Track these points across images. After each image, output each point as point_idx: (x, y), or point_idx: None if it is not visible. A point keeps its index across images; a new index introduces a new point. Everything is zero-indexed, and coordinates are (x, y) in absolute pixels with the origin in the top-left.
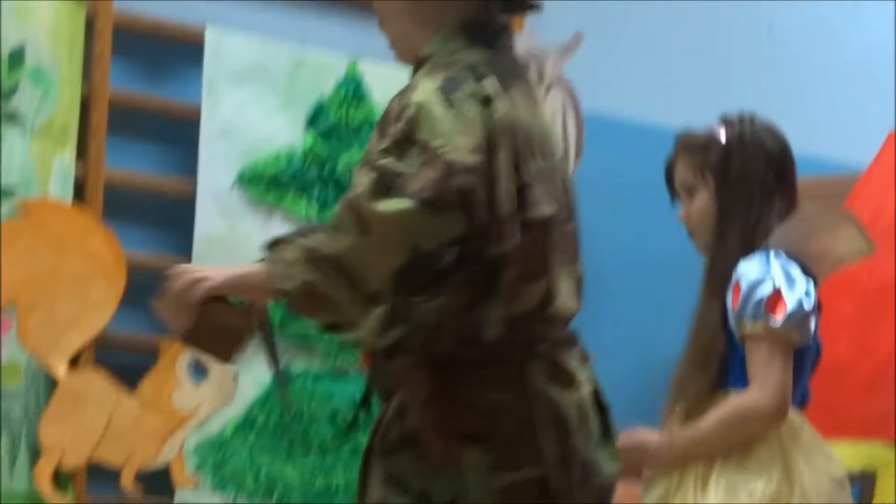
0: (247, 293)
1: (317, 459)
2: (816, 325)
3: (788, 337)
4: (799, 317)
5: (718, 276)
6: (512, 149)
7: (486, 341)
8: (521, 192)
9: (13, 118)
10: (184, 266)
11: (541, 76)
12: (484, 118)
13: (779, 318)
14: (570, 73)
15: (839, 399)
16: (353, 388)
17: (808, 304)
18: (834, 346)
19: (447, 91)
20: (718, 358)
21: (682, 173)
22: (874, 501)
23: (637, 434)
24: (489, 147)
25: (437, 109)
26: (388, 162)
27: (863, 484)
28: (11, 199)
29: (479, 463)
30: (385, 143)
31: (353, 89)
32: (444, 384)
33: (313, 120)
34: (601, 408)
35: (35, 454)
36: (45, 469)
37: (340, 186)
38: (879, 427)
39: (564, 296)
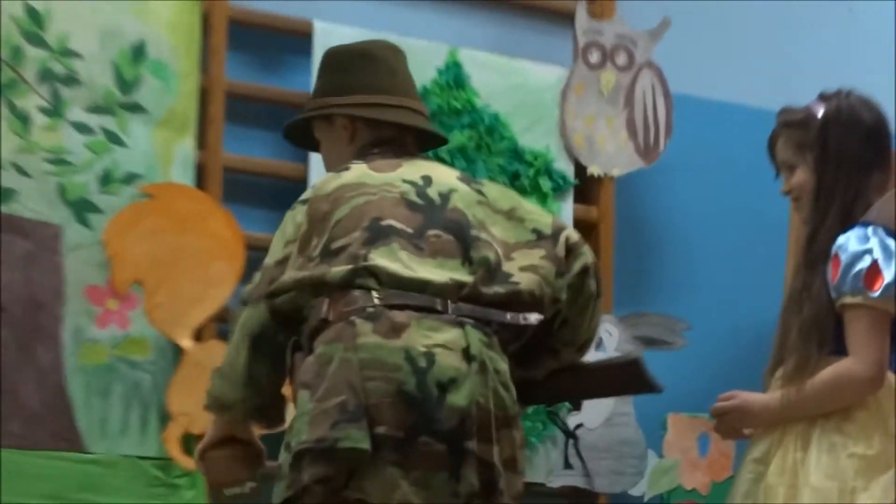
0: (217, 431)
1: None
2: None
3: (886, 308)
4: None
5: (818, 249)
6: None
7: (311, 320)
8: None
9: (137, 109)
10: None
11: (631, 60)
12: (293, 219)
13: (877, 290)
14: (658, 56)
15: None
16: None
17: None
18: None
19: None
20: (824, 328)
21: (783, 150)
22: None
23: (738, 395)
24: (299, 236)
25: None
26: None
27: None
28: (137, 183)
29: (301, 399)
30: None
31: (453, 76)
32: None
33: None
34: (470, 357)
35: (164, 421)
36: (173, 434)
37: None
38: None
39: (384, 270)
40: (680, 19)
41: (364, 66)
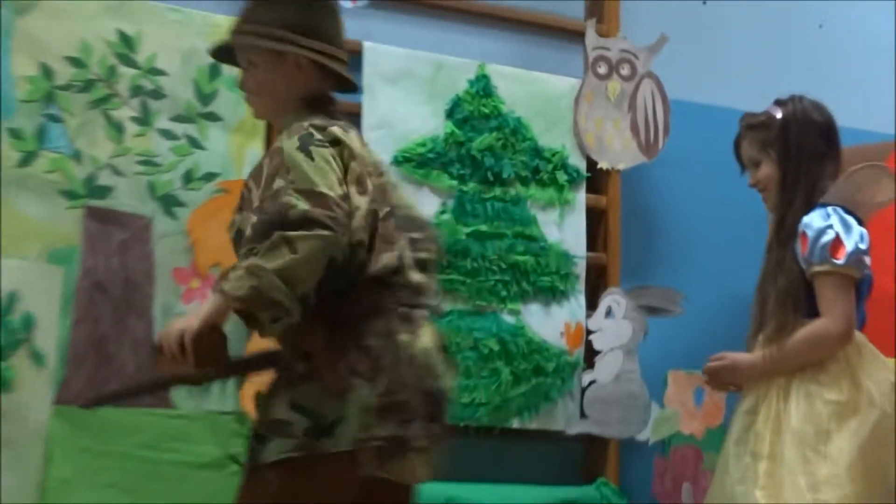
0: (217, 317)
1: (462, 381)
2: (869, 261)
3: (850, 273)
4: (856, 256)
5: (788, 229)
6: (359, 171)
7: (363, 304)
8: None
9: (214, 118)
10: (165, 330)
11: (633, 71)
12: (336, 154)
13: (841, 258)
14: (657, 67)
15: (884, 324)
16: (489, 323)
17: (863, 245)
18: (880, 279)
19: (304, 147)
20: (797, 295)
21: (748, 149)
22: None
23: (727, 356)
24: (345, 173)
25: (303, 161)
26: (288, 200)
27: None
28: (215, 180)
29: (361, 390)
30: (268, 191)
31: (482, 86)
32: (335, 336)
33: (451, 112)
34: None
35: (239, 381)
36: (247, 393)
37: (475, 164)
38: None
39: (410, 270)
40: (676, 35)
41: (330, 16)
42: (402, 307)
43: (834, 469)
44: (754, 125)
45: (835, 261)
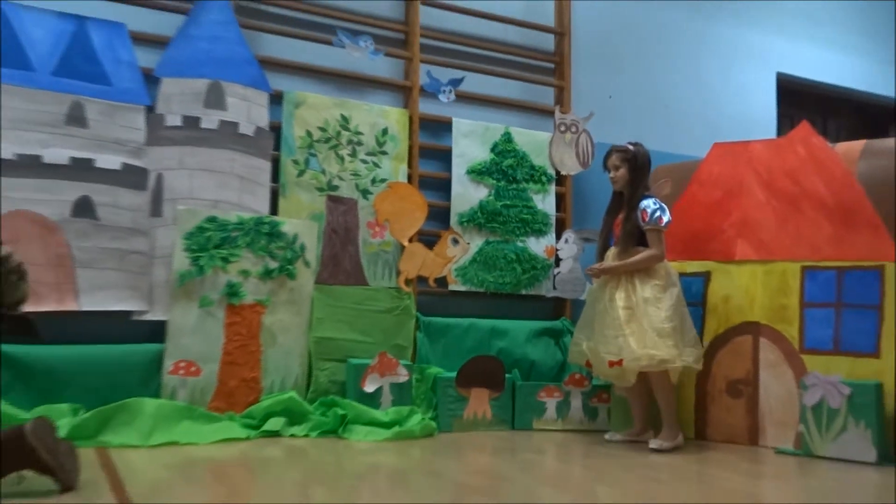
0: None
1: (499, 274)
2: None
3: (664, 230)
4: (668, 222)
5: (633, 205)
6: None
7: None
8: None
9: (384, 153)
10: None
11: (577, 129)
12: None
13: (662, 224)
14: (591, 123)
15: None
16: (511, 247)
17: (667, 217)
18: (692, 223)
19: None
20: (635, 236)
21: (614, 160)
22: (709, 290)
23: (602, 264)
24: None
25: None
26: None
27: (705, 279)
28: (386, 183)
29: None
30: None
31: (507, 138)
32: None
33: (493, 149)
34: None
35: (396, 274)
36: (401, 279)
37: (504, 173)
38: (715, 255)
39: None
40: (601, 108)
41: None
42: None
43: (664, 314)
44: (619, 149)
45: (660, 225)
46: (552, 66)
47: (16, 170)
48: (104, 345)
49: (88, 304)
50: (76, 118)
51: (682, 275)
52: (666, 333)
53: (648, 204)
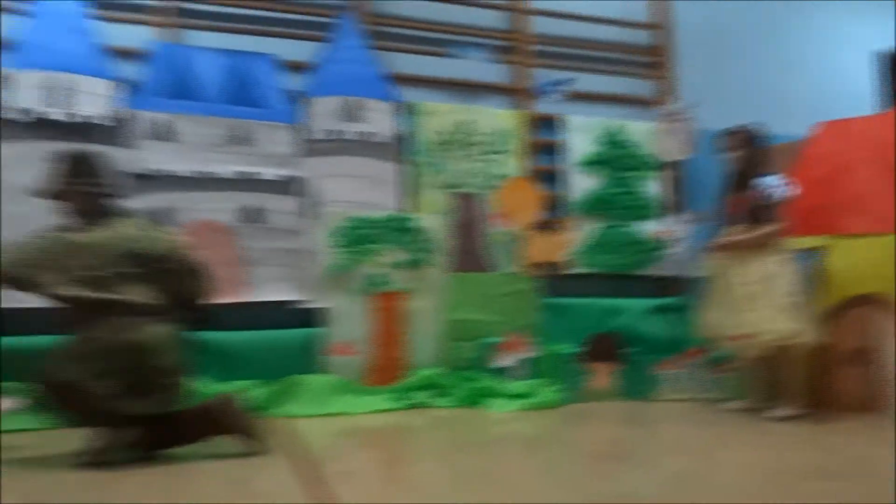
0: None
1: (614, 256)
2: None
3: (786, 206)
4: (790, 198)
5: (751, 186)
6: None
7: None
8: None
9: (498, 152)
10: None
11: (681, 117)
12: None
13: (784, 199)
14: (696, 112)
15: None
16: (626, 231)
17: (790, 192)
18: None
19: None
20: (756, 216)
21: (731, 141)
22: (826, 264)
23: (722, 238)
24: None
25: None
26: None
27: (822, 253)
28: (504, 178)
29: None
30: None
31: (616, 131)
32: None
33: (603, 141)
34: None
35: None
36: (523, 264)
37: (617, 166)
38: (830, 230)
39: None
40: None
41: None
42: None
43: (787, 288)
44: (736, 131)
45: (781, 201)
46: (655, 60)
47: (194, 185)
48: (272, 330)
49: (259, 295)
50: (239, 138)
51: (799, 250)
52: (789, 307)
53: (770, 181)
